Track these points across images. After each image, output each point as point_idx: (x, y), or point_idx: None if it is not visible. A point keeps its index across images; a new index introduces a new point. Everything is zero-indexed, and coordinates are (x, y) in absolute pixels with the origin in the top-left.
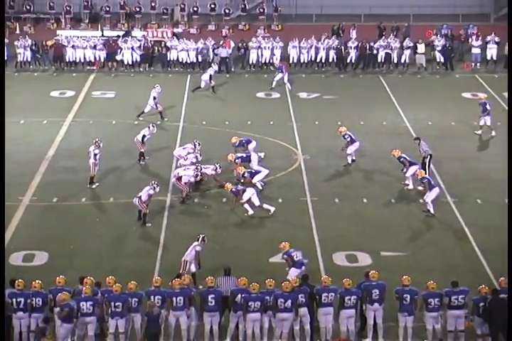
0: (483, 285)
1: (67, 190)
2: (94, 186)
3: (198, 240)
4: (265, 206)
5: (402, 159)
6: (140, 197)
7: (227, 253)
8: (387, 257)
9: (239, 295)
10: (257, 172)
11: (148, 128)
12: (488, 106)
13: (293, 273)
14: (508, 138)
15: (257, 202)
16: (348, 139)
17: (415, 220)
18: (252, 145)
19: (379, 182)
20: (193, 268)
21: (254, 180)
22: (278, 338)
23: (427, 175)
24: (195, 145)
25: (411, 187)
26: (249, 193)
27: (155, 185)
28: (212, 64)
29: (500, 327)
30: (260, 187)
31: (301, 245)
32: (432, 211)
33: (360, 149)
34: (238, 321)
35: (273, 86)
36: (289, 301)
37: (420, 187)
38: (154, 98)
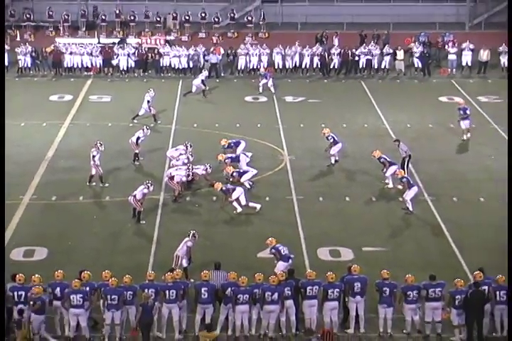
0: (459, 279)
1: (66, 189)
2: (102, 185)
3: (189, 236)
4: (251, 204)
5: (382, 159)
6: (135, 196)
7: (217, 249)
8: (369, 252)
9: (229, 289)
10: (245, 172)
11: (143, 130)
12: (468, 111)
13: (280, 266)
14: (508, 139)
15: (243, 201)
16: (332, 140)
17: (395, 217)
18: (241, 147)
19: (361, 182)
20: (184, 263)
21: (242, 180)
22: (265, 329)
23: (405, 175)
24: (186, 146)
25: (391, 186)
26: (238, 192)
27: (149, 184)
28: (203, 69)
29: (477, 317)
30: (248, 186)
31: (287, 241)
32: (410, 208)
33: (343, 150)
34: (228, 313)
35: (260, 91)
36: (276, 294)
37: (400, 186)
38: (148, 101)
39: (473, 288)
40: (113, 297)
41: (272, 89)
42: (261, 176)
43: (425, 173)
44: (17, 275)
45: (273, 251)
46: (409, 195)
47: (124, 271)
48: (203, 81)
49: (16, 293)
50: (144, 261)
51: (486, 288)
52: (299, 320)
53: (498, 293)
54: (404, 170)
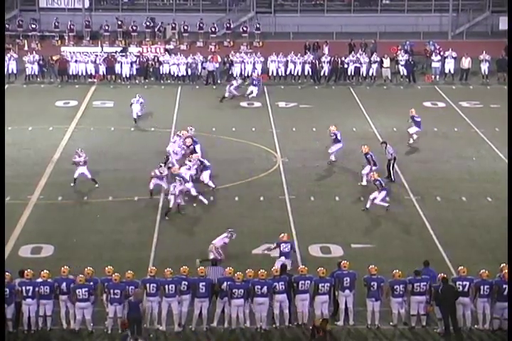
0: (442, 274)
1: (71, 189)
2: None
3: (228, 233)
4: (201, 197)
5: (368, 156)
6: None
7: None
8: (357, 249)
9: (224, 283)
10: (206, 167)
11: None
12: (416, 119)
13: (278, 263)
14: (508, 140)
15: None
16: (333, 138)
17: (381, 216)
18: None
19: (349, 182)
20: (218, 256)
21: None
22: (259, 321)
23: (379, 178)
24: (179, 136)
25: (364, 183)
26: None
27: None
28: (237, 77)
29: (450, 311)
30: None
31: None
32: (367, 206)
33: (338, 152)
34: (224, 306)
35: (246, 95)
36: (265, 287)
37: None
38: (141, 103)
39: (442, 284)
40: (116, 291)
41: (254, 94)
42: (256, 177)
43: (410, 174)
44: (25, 271)
45: (275, 244)
46: (378, 197)
47: (125, 266)
48: (236, 87)
49: (24, 288)
50: (145, 257)
51: (466, 283)
52: (292, 312)
53: (482, 287)
54: (389, 171)
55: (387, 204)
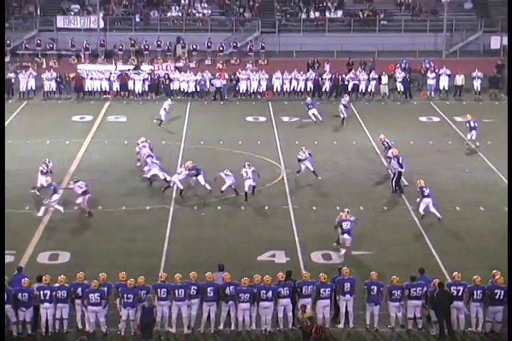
0: (437, 279)
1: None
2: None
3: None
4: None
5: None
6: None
7: (221, 252)
8: (357, 255)
9: (227, 288)
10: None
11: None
12: (386, 144)
13: (345, 237)
14: (508, 142)
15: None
16: (386, 145)
17: (380, 224)
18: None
19: (349, 192)
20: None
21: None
22: (264, 324)
23: (424, 185)
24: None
25: (406, 183)
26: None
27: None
28: (344, 96)
29: (444, 314)
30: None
31: (284, 245)
32: (422, 213)
33: (334, 163)
34: (229, 310)
35: (314, 119)
36: (270, 292)
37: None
38: (165, 109)
39: (438, 289)
40: (129, 296)
41: (319, 116)
42: (262, 187)
43: (407, 185)
44: (43, 277)
45: (337, 221)
46: (430, 203)
47: (137, 272)
48: (345, 105)
49: (42, 292)
50: (156, 263)
51: (460, 288)
52: (295, 316)
53: (475, 292)
54: (393, 186)
55: (438, 215)
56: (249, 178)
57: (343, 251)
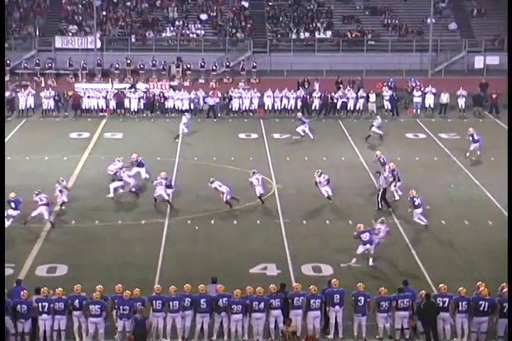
0: (424, 291)
1: (83, 214)
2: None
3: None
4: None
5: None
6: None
7: (214, 266)
8: (345, 268)
9: (220, 300)
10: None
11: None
12: (382, 160)
13: (360, 248)
14: (508, 145)
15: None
16: (382, 161)
17: None
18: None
19: (338, 207)
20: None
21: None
22: (256, 334)
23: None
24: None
25: (397, 198)
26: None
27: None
28: (377, 117)
29: (431, 325)
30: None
31: (275, 258)
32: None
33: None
34: (222, 321)
35: (302, 134)
36: (262, 303)
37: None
38: (184, 123)
39: (425, 300)
40: (125, 307)
41: (310, 134)
42: (254, 202)
43: (397, 200)
44: (41, 289)
45: (355, 234)
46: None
47: (132, 284)
48: (378, 127)
49: (40, 304)
50: (151, 276)
51: (446, 300)
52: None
53: (460, 303)
54: (378, 200)
55: (424, 221)
56: (260, 185)
57: (354, 260)
